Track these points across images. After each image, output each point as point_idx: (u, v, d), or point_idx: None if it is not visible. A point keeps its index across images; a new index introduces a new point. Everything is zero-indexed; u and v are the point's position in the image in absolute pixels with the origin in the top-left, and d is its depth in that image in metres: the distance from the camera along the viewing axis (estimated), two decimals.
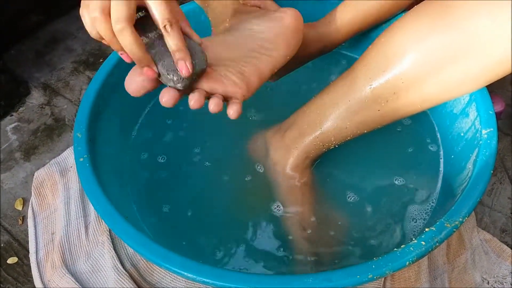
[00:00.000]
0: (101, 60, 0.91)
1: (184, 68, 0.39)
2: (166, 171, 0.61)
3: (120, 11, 0.36)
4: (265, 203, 0.57)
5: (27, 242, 0.65)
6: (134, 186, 0.60)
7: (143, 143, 0.64)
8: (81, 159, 0.51)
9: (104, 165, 0.54)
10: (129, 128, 0.65)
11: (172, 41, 0.39)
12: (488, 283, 0.59)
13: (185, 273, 0.41)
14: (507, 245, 0.62)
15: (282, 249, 0.54)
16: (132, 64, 0.41)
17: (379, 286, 0.56)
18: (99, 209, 0.47)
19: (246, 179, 0.58)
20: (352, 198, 0.57)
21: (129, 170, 0.61)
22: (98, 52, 0.93)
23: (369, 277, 0.40)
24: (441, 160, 0.60)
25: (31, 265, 0.62)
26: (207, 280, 0.41)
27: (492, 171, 0.48)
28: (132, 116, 0.65)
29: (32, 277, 0.62)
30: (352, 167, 0.60)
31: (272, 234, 0.55)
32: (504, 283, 0.59)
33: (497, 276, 0.60)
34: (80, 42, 0.95)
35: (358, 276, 0.40)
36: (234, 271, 0.42)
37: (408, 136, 0.63)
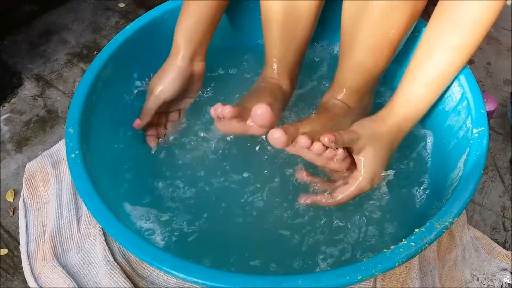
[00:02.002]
0: (95, 53, 0.91)
1: None
2: (162, 166, 0.61)
3: None
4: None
5: (18, 233, 0.65)
6: (128, 183, 0.59)
7: (137, 139, 0.63)
8: (73, 155, 0.50)
9: (97, 161, 0.53)
10: (123, 122, 0.64)
11: None
12: (477, 279, 0.60)
13: (176, 273, 0.41)
14: (497, 243, 0.63)
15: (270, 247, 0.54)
16: None
17: (369, 283, 0.56)
18: (90, 206, 0.47)
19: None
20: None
21: (122, 166, 0.60)
22: (92, 44, 0.93)
23: (358, 278, 0.40)
24: (431, 158, 0.60)
25: (22, 257, 0.62)
26: (198, 280, 0.41)
27: (482, 171, 0.48)
28: (127, 110, 0.65)
29: (22, 269, 0.61)
30: None
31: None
32: (494, 280, 0.59)
33: (486, 273, 0.60)
34: (75, 34, 0.95)
35: (347, 277, 0.40)
36: (224, 271, 0.42)
37: None
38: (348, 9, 0.55)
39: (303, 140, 0.47)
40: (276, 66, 0.62)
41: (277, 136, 0.47)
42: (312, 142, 0.47)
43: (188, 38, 0.59)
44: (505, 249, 0.62)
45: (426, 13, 0.55)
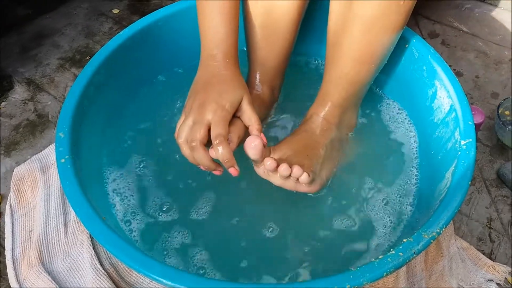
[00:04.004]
0: (87, 58, 0.90)
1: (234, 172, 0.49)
2: (151, 174, 0.61)
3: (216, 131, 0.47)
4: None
5: (3, 239, 0.64)
6: (118, 189, 0.59)
7: (128, 145, 0.63)
8: (63, 160, 0.50)
9: (87, 167, 0.53)
10: (114, 129, 0.64)
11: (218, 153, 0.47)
12: None
13: (164, 281, 0.41)
14: (484, 254, 0.63)
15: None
16: None
17: None
18: (79, 212, 0.46)
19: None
20: (335, 204, 0.58)
21: (112, 172, 0.60)
22: (85, 49, 0.92)
23: (346, 287, 0.41)
24: (419, 169, 0.61)
25: (7, 262, 0.61)
26: None
27: (469, 183, 0.49)
28: (118, 116, 0.65)
29: (7, 275, 0.60)
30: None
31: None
32: None
33: (473, 283, 0.61)
34: (67, 38, 0.94)
35: (335, 286, 0.41)
36: (215, 280, 0.42)
37: (389, 145, 0.64)
38: (332, 21, 0.56)
39: (269, 162, 0.48)
40: (258, 73, 0.62)
41: (253, 145, 0.48)
42: (278, 165, 0.49)
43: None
44: (491, 260, 0.63)
45: (416, 24, 0.56)
